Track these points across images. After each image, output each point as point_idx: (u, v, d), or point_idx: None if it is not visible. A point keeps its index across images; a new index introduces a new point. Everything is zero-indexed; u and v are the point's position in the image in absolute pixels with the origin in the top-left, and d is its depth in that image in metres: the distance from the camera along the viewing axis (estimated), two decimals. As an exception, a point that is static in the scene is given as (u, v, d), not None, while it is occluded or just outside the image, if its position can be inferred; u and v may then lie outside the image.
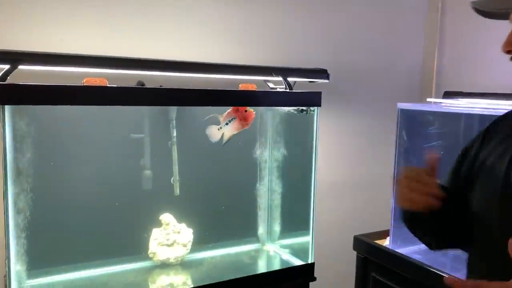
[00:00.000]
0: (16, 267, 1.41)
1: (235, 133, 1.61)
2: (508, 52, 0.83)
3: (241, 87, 1.50)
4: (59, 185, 1.48)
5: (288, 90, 1.56)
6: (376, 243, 1.86)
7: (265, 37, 1.92)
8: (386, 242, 1.88)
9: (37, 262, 1.45)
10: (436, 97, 2.18)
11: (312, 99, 1.56)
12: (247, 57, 1.86)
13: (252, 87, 1.49)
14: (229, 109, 1.58)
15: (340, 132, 2.15)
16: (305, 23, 2.01)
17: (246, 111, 1.56)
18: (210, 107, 1.53)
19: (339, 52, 2.11)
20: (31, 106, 1.28)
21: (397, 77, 2.29)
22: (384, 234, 1.95)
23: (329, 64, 1.82)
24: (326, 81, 1.80)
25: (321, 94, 1.57)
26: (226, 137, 1.60)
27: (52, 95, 1.19)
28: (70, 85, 1.20)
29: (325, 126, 2.08)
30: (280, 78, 1.65)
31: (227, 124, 1.59)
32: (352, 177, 2.22)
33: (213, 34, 1.80)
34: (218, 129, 1.60)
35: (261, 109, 1.76)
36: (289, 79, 1.68)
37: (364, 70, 2.18)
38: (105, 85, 1.25)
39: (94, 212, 1.54)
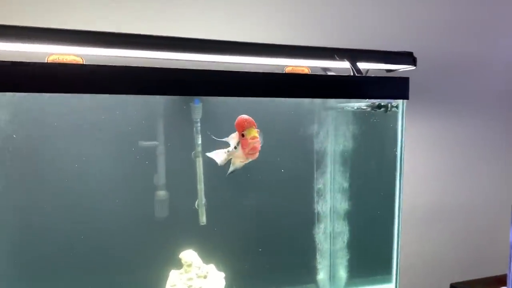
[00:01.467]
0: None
1: (242, 162, 1.15)
2: None
3: (288, 70, 1.03)
4: (46, 208, 1.10)
5: (358, 75, 1.07)
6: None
7: (325, 15, 1.45)
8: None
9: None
10: None
11: (395, 88, 1.05)
12: (300, 38, 1.40)
13: (304, 71, 1.02)
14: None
15: (431, 141, 1.62)
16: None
17: (243, 135, 1.08)
18: (244, 99, 1.07)
19: (427, 35, 1.58)
20: None
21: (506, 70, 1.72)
22: (496, 282, 1.49)
23: (422, 50, 1.33)
24: (412, 68, 1.29)
25: (408, 81, 1.06)
26: (233, 165, 1.16)
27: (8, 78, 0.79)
28: (31, 63, 0.79)
29: (408, 132, 1.57)
30: (346, 63, 1.16)
31: (235, 148, 1.12)
32: (447, 202, 1.66)
33: (256, 11, 1.36)
34: (226, 153, 1.15)
35: (318, 106, 1.28)
36: (362, 65, 1.19)
37: (466, 60, 1.64)
38: (80, 63, 0.83)
39: (91, 247, 1.14)
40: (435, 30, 1.61)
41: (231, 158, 1.14)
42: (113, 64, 0.85)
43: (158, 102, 1.18)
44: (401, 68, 1.32)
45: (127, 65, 0.87)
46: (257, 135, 1.06)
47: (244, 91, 0.99)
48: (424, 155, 1.61)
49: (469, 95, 1.67)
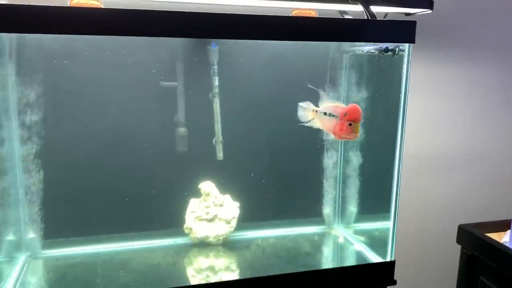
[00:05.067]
0: (29, 234, 1.22)
1: (322, 130, 1.18)
2: None
3: (295, 13, 1.07)
4: (72, 142, 1.23)
5: (362, 19, 1.10)
6: (490, 237, 1.39)
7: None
8: (504, 238, 1.39)
9: (53, 231, 1.25)
10: None
11: (401, 32, 1.08)
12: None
13: (311, 14, 1.06)
14: (341, 106, 1.12)
15: (445, 87, 1.62)
16: None
17: (350, 124, 1.08)
18: (255, 42, 1.13)
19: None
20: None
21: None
22: (501, 225, 1.48)
23: None
24: (429, 11, 1.29)
25: (415, 24, 1.08)
26: (313, 124, 1.17)
27: (29, 20, 0.89)
28: (52, 6, 0.89)
29: (424, 77, 1.58)
30: (359, 7, 1.18)
31: (325, 114, 1.13)
32: (460, 147, 1.68)
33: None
34: (314, 111, 1.16)
35: (332, 48, 1.32)
36: (376, 9, 1.20)
37: (488, 5, 1.59)
38: (99, 7, 0.92)
39: (119, 176, 1.28)
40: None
41: (314, 119, 1.16)
42: (131, 8, 0.93)
43: (178, 45, 1.26)
44: (419, 12, 1.32)
45: (147, 8, 0.95)
46: (358, 131, 1.08)
47: (257, 34, 1.05)
48: (436, 101, 1.62)
49: (490, 41, 1.63)
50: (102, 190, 1.28)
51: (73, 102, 1.22)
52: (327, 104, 1.14)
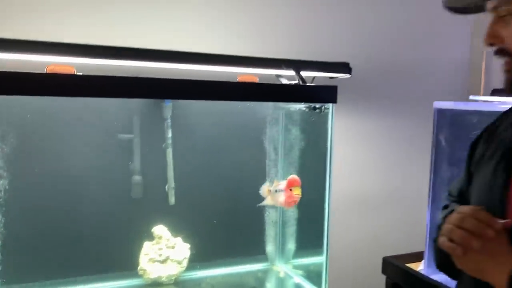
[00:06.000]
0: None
1: (273, 204, 1.49)
2: (491, 44, 0.78)
3: (240, 78, 1.28)
4: (34, 191, 1.32)
5: (294, 83, 1.32)
6: (409, 267, 1.59)
7: (280, 28, 1.70)
8: (420, 267, 1.60)
9: (10, 277, 1.29)
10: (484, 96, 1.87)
11: (325, 95, 1.31)
12: (257, 49, 1.64)
13: (253, 79, 1.27)
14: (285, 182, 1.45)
15: (368, 136, 1.88)
16: (330, 12, 1.77)
17: (291, 189, 1.43)
18: (205, 101, 1.32)
19: (369, 45, 1.85)
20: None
21: (438, 75, 2.00)
22: (418, 256, 1.68)
23: (358, 59, 1.58)
24: (348, 76, 1.55)
25: (336, 88, 1.32)
26: (266, 201, 1.49)
27: (10, 84, 1.02)
28: (31, 73, 1.02)
29: (349, 129, 1.83)
30: (292, 72, 1.41)
31: (276, 191, 1.46)
32: (381, 190, 1.93)
33: (217, 24, 1.59)
34: (268, 190, 1.48)
35: (271, 106, 1.53)
36: (306, 73, 1.44)
37: (398, 66, 1.90)
38: (72, 73, 1.06)
39: (76, 222, 1.37)
40: (371, 42, 1.86)
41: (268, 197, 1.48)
42: (102, 74, 1.08)
43: (137, 101, 1.41)
44: (340, 76, 1.58)
45: (112, 73, 1.10)
46: (300, 193, 1.42)
47: (207, 96, 1.24)
48: (361, 150, 1.87)
49: (399, 98, 1.93)
50: (60, 235, 1.35)
51: (32, 150, 1.31)
52: (276, 183, 1.46)
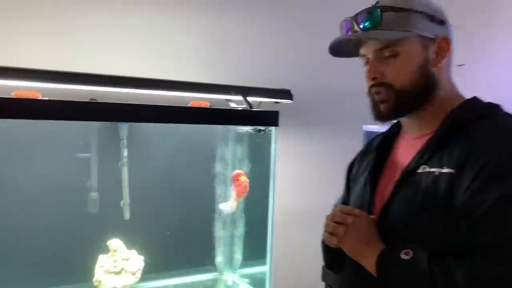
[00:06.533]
0: None
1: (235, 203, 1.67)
2: (374, 79, 0.91)
3: (193, 103, 1.42)
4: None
5: (241, 108, 1.48)
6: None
7: (229, 56, 1.85)
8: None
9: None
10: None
11: (268, 118, 1.48)
12: (209, 76, 1.78)
13: (205, 104, 1.41)
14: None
15: (307, 156, 2.06)
16: (274, 43, 1.95)
17: (238, 179, 1.62)
18: (160, 124, 1.44)
19: (310, 73, 2.04)
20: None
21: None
22: None
23: (300, 86, 1.75)
24: (290, 101, 1.72)
25: (277, 113, 1.49)
26: (231, 207, 1.67)
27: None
28: (-3, 98, 1.11)
29: (291, 149, 2.00)
30: (240, 97, 1.57)
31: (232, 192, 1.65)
32: (318, 204, 2.07)
33: (172, 52, 1.73)
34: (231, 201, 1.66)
35: (220, 128, 1.68)
36: (252, 99, 1.60)
37: (333, 92, 2.10)
38: (37, 97, 1.16)
39: (34, 235, 1.43)
40: (310, 70, 2.05)
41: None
42: (63, 99, 1.19)
43: (95, 124, 1.51)
44: (283, 101, 1.75)
45: (73, 96, 1.21)
46: (247, 179, 1.62)
47: (162, 119, 1.37)
48: (301, 168, 2.05)
49: (334, 121, 2.12)
50: (19, 249, 1.41)
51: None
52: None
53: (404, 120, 0.98)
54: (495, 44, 2.48)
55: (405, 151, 0.96)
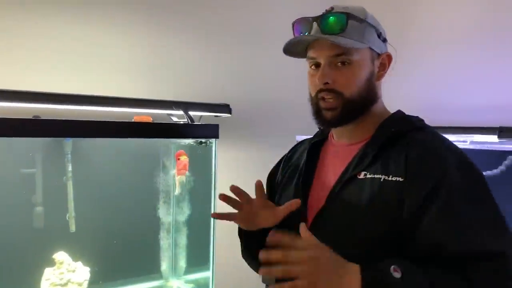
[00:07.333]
0: None
1: (179, 180, 1.75)
2: (325, 84, 0.91)
3: (136, 118, 1.50)
4: None
5: (182, 123, 1.58)
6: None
7: (171, 73, 1.95)
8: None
9: None
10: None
11: (209, 131, 1.59)
12: (151, 92, 1.87)
13: (147, 119, 1.50)
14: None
15: (246, 165, 2.18)
16: (214, 61, 2.07)
17: (179, 159, 1.70)
18: (104, 139, 1.52)
19: (248, 89, 2.17)
20: None
21: (299, 113, 2.38)
22: None
23: (238, 100, 1.88)
24: (229, 115, 1.85)
25: (218, 126, 1.61)
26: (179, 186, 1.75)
27: None
28: None
29: (231, 159, 2.12)
30: (181, 112, 1.67)
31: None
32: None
33: (115, 69, 1.80)
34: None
35: (162, 141, 1.77)
36: (193, 113, 1.71)
37: (268, 105, 2.25)
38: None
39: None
40: (247, 85, 2.19)
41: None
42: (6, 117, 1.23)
43: (39, 139, 1.55)
44: (222, 115, 1.87)
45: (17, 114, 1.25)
46: (187, 158, 1.69)
47: (106, 134, 1.44)
48: (241, 177, 2.15)
49: (269, 132, 2.25)
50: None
51: None
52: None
53: (336, 128, 0.98)
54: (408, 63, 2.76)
55: (336, 158, 0.98)
